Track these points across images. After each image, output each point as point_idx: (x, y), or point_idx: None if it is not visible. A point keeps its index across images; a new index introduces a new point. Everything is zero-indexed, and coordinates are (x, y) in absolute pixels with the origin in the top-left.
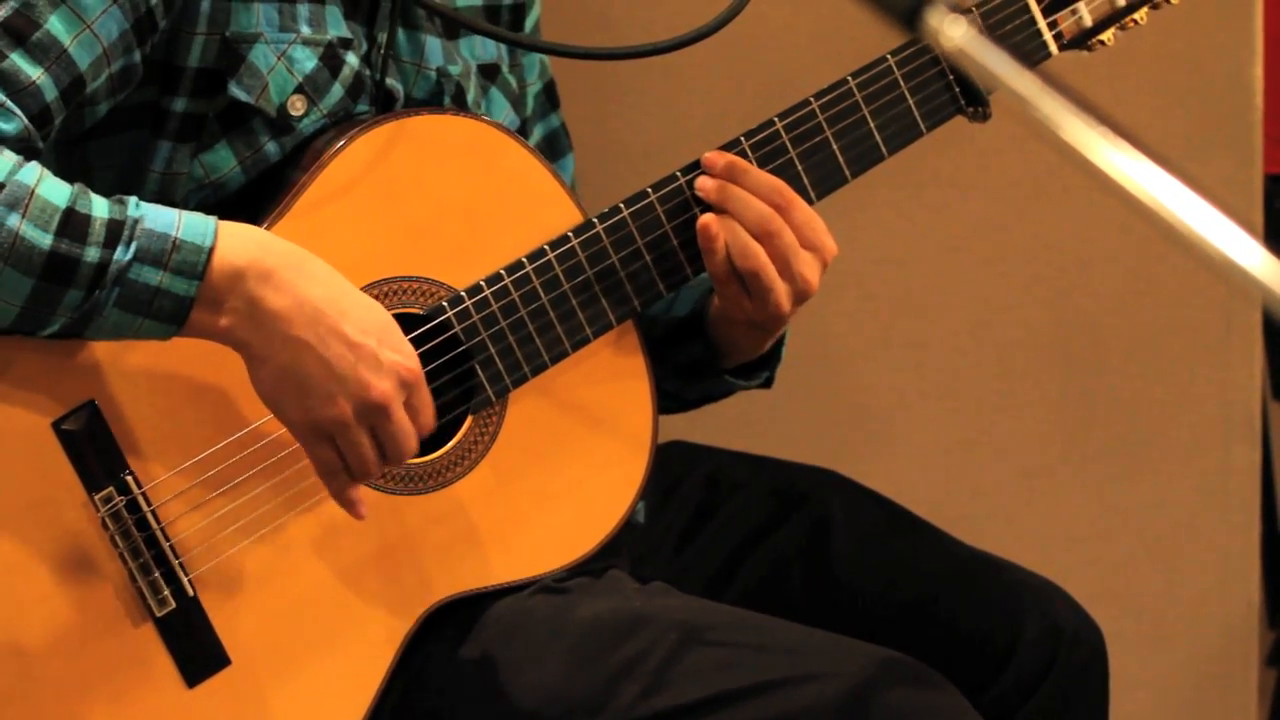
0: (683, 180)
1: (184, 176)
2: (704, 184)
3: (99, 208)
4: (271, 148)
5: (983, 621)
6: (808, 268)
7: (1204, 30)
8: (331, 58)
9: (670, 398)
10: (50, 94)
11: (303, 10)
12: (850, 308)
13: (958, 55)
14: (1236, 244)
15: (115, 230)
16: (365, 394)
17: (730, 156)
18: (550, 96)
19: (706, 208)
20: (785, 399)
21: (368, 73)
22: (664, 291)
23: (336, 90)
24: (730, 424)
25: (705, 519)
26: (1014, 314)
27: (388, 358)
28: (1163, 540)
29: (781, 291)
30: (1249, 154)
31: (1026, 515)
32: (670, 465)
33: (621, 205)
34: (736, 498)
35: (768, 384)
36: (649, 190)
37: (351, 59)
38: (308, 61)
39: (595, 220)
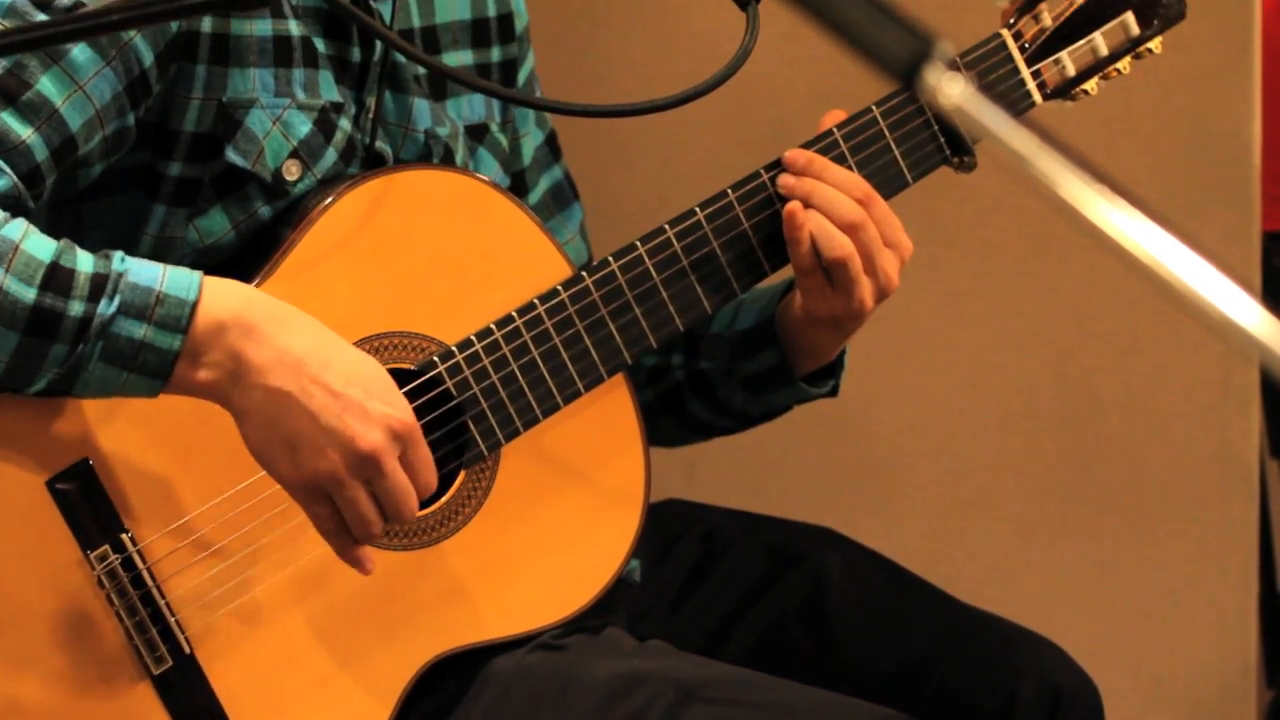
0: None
1: (179, 240)
2: (786, 180)
3: (83, 262)
4: (265, 211)
5: (980, 680)
6: (890, 264)
7: (1202, 87)
8: (325, 122)
9: (734, 415)
10: (41, 154)
11: (298, 75)
12: (848, 365)
13: (955, 113)
14: (1234, 302)
15: (99, 284)
16: (354, 445)
17: (811, 153)
18: (553, 148)
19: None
20: (782, 457)
21: (359, 136)
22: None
23: (330, 154)
24: (727, 482)
25: (702, 577)
26: (1012, 372)
27: (376, 409)
28: (1161, 598)
29: (865, 286)
30: (1247, 211)
31: (1024, 573)
32: (667, 524)
33: (610, 258)
34: (733, 556)
35: (834, 392)
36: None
37: (344, 123)
38: (302, 126)
39: (584, 274)
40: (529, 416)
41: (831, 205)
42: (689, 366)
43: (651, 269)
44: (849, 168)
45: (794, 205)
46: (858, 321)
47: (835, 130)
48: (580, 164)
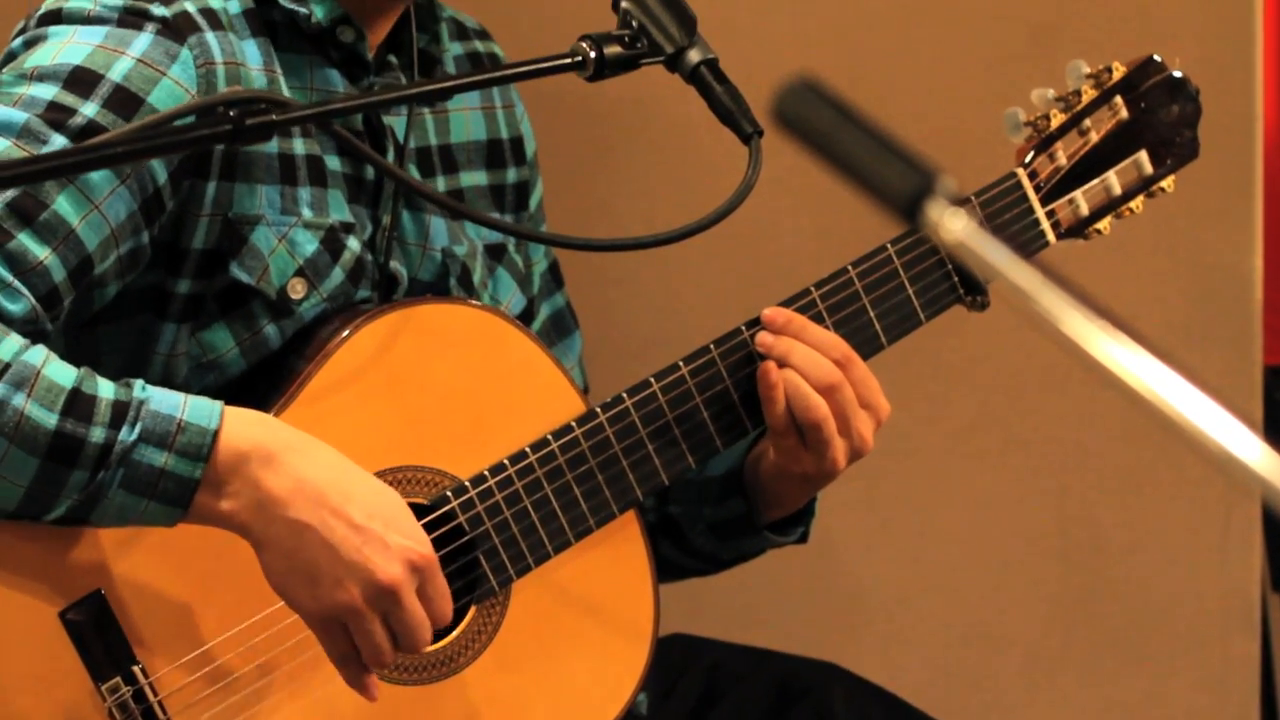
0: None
1: (183, 356)
2: (764, 339)
3: (105, 389)
4: (271, 330)
5: None
6: (865, 426)
7: (1203, 222)
8: (333, 241)
9: (705, 559)
10: (59, 274)
11: (304, 194)
12: (851, 499)
13: (957, 248)
14: (1236, 436)
15: (121, 411)
16: (373, 579)
17: (790, 312)
18: (555, 276)
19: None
20: (786, 591)
21: (370, 257)
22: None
23: (337, 274)
24: (732, 616)
25: (707, 711)
26: (1013, 506)
27: (396, 542)
28: None
29: (839, 448)
30: (1248, 345)
31: (1027, 708)
32: (672, 658)
33: (625, 394)
34: (738, 690)
35: (803, 539)
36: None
37: (353, 243)
38: (309, 245)
39: (599, 410)
40: (541, 553)
41: (809, 366)
42: (659, 510)
43: (665, 405)
44: (863, 306)
45: (768, 364)
46: (829, 479)
47: (850, 268)
48: (583, 294)
